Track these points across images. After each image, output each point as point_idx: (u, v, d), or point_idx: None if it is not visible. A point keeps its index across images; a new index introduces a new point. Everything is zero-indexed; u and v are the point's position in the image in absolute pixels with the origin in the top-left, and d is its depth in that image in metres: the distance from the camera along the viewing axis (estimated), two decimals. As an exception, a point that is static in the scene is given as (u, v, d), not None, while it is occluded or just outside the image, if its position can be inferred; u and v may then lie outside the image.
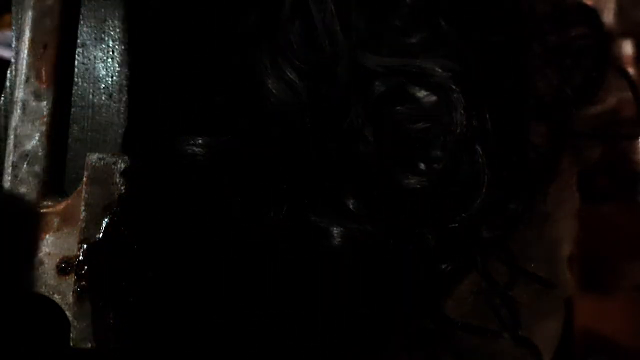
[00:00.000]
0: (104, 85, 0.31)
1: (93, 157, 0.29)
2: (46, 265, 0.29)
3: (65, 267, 0.28)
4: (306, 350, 0.33)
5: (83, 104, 0.31)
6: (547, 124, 0.38)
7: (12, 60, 0.32)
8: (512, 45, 0.36)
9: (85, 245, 0.28)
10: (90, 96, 0.31)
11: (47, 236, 0.29)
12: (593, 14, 0.40)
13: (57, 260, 0.29)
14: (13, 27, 0.32)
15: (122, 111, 0.31)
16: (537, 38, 0.38)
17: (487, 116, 0.33)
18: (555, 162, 0.38)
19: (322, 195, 0.32)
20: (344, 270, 0.32)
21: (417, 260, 0.33)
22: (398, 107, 0.33)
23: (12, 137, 0.30)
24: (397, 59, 0.33)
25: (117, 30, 0.31)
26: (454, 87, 0.32)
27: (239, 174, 0.31)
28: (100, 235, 0.28)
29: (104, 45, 0.31)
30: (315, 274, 0.32)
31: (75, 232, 0.28)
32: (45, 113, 0.30)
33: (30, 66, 0.31)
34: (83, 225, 0.28)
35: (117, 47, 0.31)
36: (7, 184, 0.30)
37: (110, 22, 0.31)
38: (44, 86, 0.31)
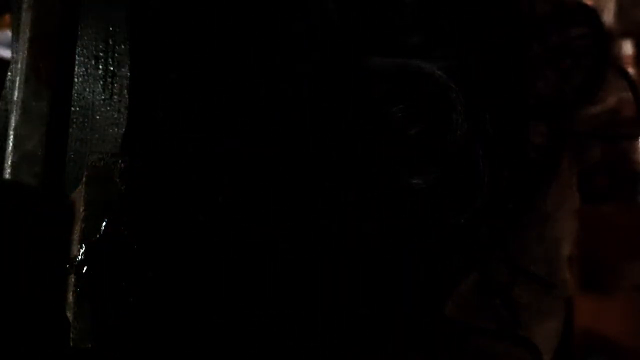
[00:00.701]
0: (104, 85, 0.31)
1: (93, 157, 0.29)
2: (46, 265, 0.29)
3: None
4: (306, 350, 0.33)
5: (83, 104, 0.31)
6: (547, 124, 0.38)
7: (12, 60, 0.32)
8: (512, 45, 0.36)
9: (85, 245, 0.28)
10: (90, 96, 0.31)
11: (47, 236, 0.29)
12: (593, 14, 0.40)
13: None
14: (13, 27, 0.32)
15: (122, 111, 0.31)
16: (537, 38, 0.38)
17: (487, 116, 0.33)
18: (555, 162, 0.38)
19: (322, 195, 0.32)
20: (344, 270, 0.32)
21: (418, 260, 0.33)
22: (398, 107, 0.33)
23: (12, 137, 0.30)
24: (398, 59, 0.33)
25: (118, 30, 0.31)
26: (453, 87, 0.32)
27: (239, 174, 0.31)
28: (100, 235, 0.28)
29: (104, 45, 0.31)
30: (315, 274, 0.32)
31: (75, 232, 0.28)
32: (45, 113, 0.30)
33: (30, 66, 0.31)
34: (83, 225, 0.28)
35: (117, 47, 0.31)
36: (7, 184, 0.30)
37: (111, 22, 0.31)
38: (44, 86, 0.31)
